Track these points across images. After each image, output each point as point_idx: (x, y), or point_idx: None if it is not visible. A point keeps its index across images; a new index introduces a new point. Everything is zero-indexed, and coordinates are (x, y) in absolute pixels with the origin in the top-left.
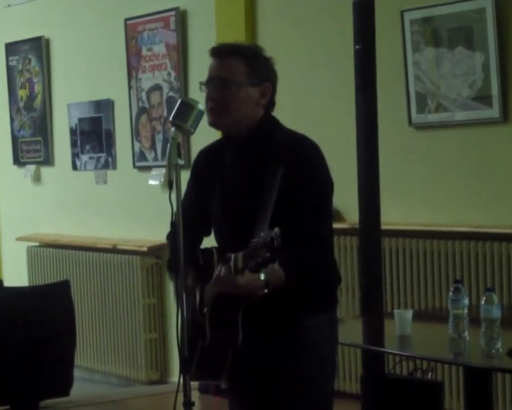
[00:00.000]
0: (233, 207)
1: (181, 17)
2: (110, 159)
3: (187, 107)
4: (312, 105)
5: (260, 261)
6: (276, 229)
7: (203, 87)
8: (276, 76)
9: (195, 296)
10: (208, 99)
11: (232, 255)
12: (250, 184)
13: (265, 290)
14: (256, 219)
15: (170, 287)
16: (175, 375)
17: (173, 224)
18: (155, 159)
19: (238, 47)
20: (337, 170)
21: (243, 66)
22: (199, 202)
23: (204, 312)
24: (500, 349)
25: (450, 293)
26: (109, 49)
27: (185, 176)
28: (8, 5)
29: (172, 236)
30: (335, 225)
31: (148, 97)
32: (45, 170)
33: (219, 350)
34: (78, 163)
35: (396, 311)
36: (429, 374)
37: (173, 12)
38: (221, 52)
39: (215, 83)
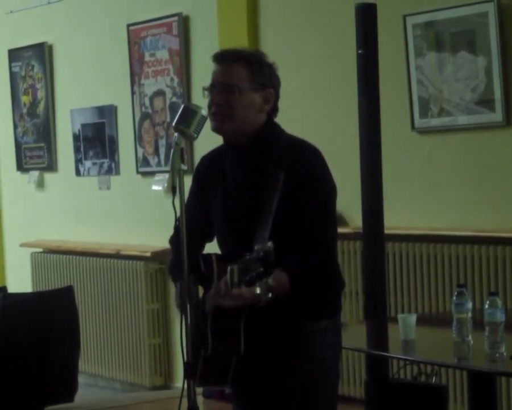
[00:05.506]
0: (234, 213)
1: (184, 23)
2: (113, 165)
3: (190, 112)
4: (315, 110)
5: (255, 276)
6: (270, 243)
7: (206, 93)
8: (279, 82)
9: (198, 301)
10: (211, 104)
11: (229, 268)
12: (251, 189)
13: (269, 295)
14: (257, 225)
15: (173, 293)
16: (179, 380)
17: (176, 229)
18: (158, 164)
19: (241, 53)
20: (340, 175)
21: (246, 72)
22: (201, 208)
23: (206, 321)
24: (504, 353)
25: (454, 297)
26: (112, 55)
27: (189, 181)
28: (11, 12)
29: (174, 240)
30: (338, 230)
31: (151, 103)
32: (48, 176)
33: (222, 358)
34: (81, 169)
35: (399, 316)
36: (433, 378)
37: (175, 18)
38: (224, 58)
39: (219, 89)
